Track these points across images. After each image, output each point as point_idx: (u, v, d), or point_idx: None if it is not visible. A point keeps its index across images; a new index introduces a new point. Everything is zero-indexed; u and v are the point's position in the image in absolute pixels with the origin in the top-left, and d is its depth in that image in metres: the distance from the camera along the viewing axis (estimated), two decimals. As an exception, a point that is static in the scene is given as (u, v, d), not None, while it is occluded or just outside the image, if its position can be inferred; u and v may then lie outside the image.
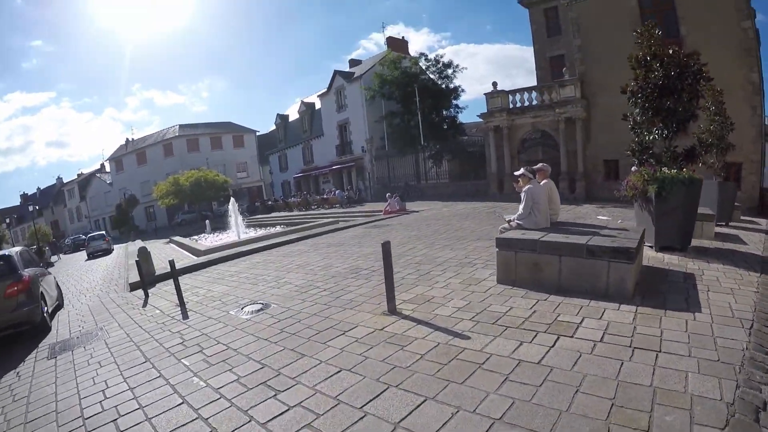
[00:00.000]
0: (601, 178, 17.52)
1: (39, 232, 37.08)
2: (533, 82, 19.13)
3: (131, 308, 6.90)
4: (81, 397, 3.61)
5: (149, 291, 7.86)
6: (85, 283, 12.63)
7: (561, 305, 4.09)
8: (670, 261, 5.53)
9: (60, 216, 59.47)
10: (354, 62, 35.91)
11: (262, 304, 5.74)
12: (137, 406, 3.22)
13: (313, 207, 28.49)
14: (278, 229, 19.30)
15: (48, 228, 42.22)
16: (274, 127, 42.40)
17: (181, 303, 6.27)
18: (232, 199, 19.43)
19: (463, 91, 26.37)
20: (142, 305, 6.94)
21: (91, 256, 24.13)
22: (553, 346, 3.24)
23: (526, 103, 19.08)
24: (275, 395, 3.04)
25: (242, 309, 5.60)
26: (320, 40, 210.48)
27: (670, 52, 6.25)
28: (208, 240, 20.99)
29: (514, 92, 19.29)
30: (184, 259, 12.81)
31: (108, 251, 25.05)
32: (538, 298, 4.34)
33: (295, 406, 2.85)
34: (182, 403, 3.15)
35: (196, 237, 23.53)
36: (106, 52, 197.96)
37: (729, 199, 9.18)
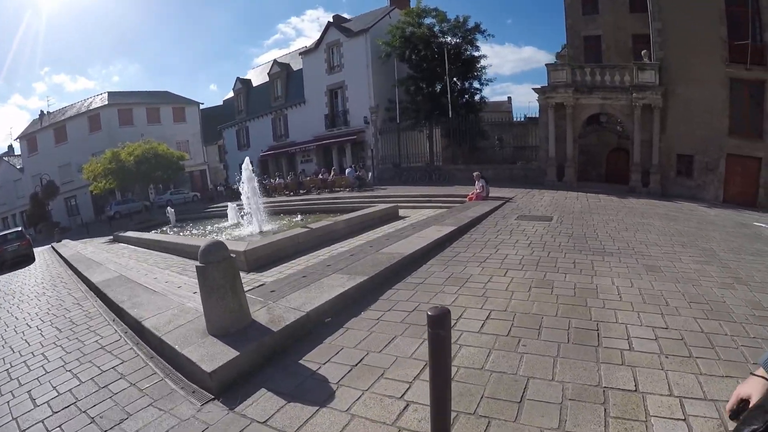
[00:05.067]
0: (673, 173, 16.23)
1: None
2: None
3: None
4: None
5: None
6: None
7: None
8: None
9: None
10: (340, 18, 29.23)
11: None
12: None
13: (301, 192, 23.68)
14: (300, 218, 14.63)
15: None
16: (231, 93, 34.87)
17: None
18: (246, 159, 14.06)
19: (485, 57, 22.54)
20: None
21: (8, 267, 15.20)
22: None
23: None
24: None
25: None
26: (235, 24, 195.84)
27: None
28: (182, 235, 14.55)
29: (580, 67, 17.10)
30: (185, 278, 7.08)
31: (28, 258, 16.59)
32: None
33: None
34: None
35: (156, 231, 17.19)
36: (17, 29, 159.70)
37: None
